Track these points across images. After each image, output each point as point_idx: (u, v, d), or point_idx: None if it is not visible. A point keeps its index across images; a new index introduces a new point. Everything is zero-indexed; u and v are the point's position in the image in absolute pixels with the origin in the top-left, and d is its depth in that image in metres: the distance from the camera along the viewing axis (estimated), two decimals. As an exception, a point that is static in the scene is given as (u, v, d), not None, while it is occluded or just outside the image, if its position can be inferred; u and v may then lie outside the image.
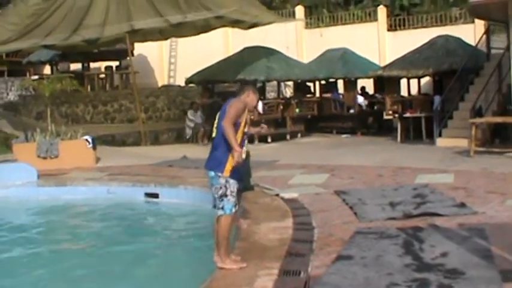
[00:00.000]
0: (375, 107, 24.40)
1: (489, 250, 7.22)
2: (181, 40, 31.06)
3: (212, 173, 7.19)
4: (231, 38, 30.41)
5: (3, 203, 14.32)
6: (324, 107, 24.82)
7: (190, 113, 22.90)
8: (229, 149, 7.05)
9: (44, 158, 17.48)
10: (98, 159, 18.15)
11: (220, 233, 7.18)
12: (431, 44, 21.81)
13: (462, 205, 9.76)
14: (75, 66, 32.45)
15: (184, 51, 31.59)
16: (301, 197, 11.33)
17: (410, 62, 21.09)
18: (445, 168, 13.83)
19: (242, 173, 9.15)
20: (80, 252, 10.29)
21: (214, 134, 7.27)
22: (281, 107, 22.96)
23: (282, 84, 27.39)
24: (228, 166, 7.09)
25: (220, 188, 7.13)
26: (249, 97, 7.34)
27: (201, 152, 20.46)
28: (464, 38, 22.64)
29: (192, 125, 22.74)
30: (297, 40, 29.74)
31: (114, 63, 31.35)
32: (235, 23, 22.56)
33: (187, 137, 23.04)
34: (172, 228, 11.81)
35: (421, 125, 20.34)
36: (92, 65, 32.80)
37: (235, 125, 7.05)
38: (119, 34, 20.80)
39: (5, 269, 9.29)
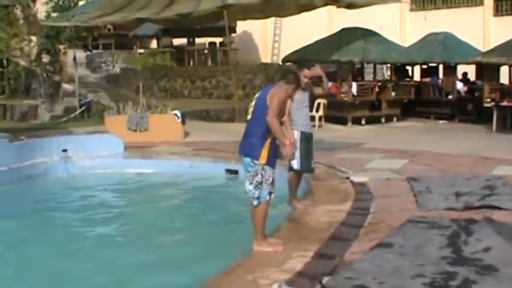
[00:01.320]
0: (475, 94, 23.61)
1: (536, 248, 6.94)
2: (286, 19, 31.03)
3: (248, 159, 7.11)
4: (335, 18, 30.12)
5: (89, 174, 14.78)
6: (422, 91, 24.28)
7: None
8: (266, 135, 6.99)
9: (134, 130, 17.96)
10: (186, 134, 18.47)
11: (256, 218, 7.17)
12: (535, 30, 20.91)
13: (529, 200, 9.38)
14: (181, 41, 33.11)
15: (289, 30, 31.54)
16: (370, 182, 11.19)
17: (511, 49, 20.24)
18: (529, 161, 13.30)
19: (305, 155, 9.18)
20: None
21: (249, 117, 7.19)
22: (376, 89, 22.58)
23: (384, 66, 27.01)
24: (264, 153, 7.01)
25: (256, 175, 7.06)
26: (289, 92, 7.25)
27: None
28: None
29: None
30: (401, 22, 29.17)
31: (218, 40, 31.69)
32: (333, 1, 22.32)
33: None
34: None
35: (518, 114, 19.59)
36: (198, 40, 33.29)
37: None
38: (212, 9, 20.86)
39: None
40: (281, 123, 7.30)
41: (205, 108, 24.07)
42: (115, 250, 8.75)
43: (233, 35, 31.77)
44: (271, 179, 7.14)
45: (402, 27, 29.03)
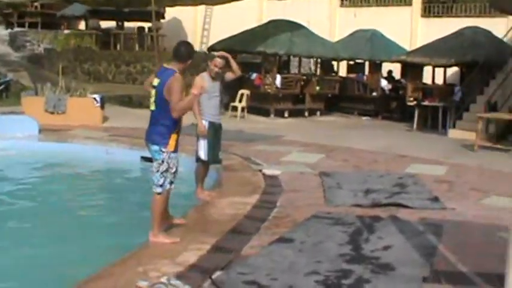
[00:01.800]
0: (400, 92, 23.81)
1: (435, 248, 6.89)
2: (217, 8, 30.79)
3: (156, 147, 6.91)
4: (265, 10, 30.03)
5: (1, 155, 14.09)
6: (347, 87, 24.37)
7: (208, 81, 22.62)
8: (174, 124, 6.84)
9: (52, 113, 17.45)
10: (105, 119, 18.07)
11: (154, 208, 6.95)
12: (458, 34, 21.14)
13: (435, 199, 9.41)
14: (110, 24, 32.47)
15: (219, 19, 31.24)
16: (283, 175, 11.07)
17: (434, 50, 20.48)
18: (442, 160, 13.43)
19: (212, 146, 8.96)
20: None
21: (153, 107, 6.96)
22: (301, 83, 22.53)
23: (311, 60, 26.99)
24: (172, 141, 6.86)
25: (163, 162, 6.88)
26: (188, 65, 7.02)
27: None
28: (497, 32, 21.93)
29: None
30: (330, 18, 29.22)
31: (147, 25, 31.21)
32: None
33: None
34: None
35: (439, 114, 19.81)
36: (127, 24, 32.68)
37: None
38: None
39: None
40: None
41: (128, 94, 23.61)
42: (16, 231, 8.49)
43: (162, 21, 31.37)
44: (175, 168, 6.94)
45: (332, 23, 29.07)
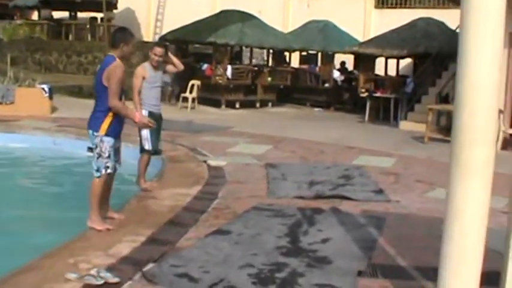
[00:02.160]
0: (352, 84, 23.81)
1: (375, 241, 6.80)
2: (170, -1, 30.59)
3: (90, 132, 6.89)
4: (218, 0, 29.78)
5: None
6: (299, 78, 24.30)
7: (159, 72, 22.38)
8: (109, 109, 6.72)
9: (0, 103, 17.12)
10: (54, 109, 17.76)
11: (91, 192, 6.88)
12: (411, 25, 21.18)
13: (380, 191, 9.35)
14: (62, 14, 31.98)
15: (172, 9, 30.93)
16: (227, 166, 10.94)
17: (387, 41, 20.50)
18: (391, 152, 13.41)
19: (154, 136, 8.78)
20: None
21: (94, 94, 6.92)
22: (252, 74, 22.37)
23: (265, 51, 26.84)
24: (105, 125, 6.77)
25: (96, 147, 6.83)
26: (124, 50, 6.87)
27: (164, 111, 20.12)
28: (450, 23, 21.98)
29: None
30: (284, 8, 29.12)
31: (99, 15, 30.75)
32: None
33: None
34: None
35: (390, 106, 19.83)
36: (80, 15, 32.20)
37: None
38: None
39: None
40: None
41: (78, 84, 23.23)
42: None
43: (114, 11, 30.97)
44: (107, 152, 6.78)
45: (285, 13, 28.95)
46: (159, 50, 8.71)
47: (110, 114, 6.76)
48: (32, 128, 14.84)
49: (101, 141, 6.77)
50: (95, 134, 6.79)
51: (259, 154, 12.44)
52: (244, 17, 22.33)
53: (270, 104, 23.12)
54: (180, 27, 22.92)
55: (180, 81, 21.87)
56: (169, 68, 9.12)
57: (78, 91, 22.66)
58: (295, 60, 25.99)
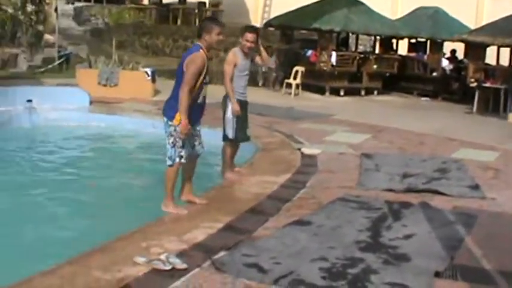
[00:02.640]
0: (462, 73, 22.98)
1: (461, 240, 6.48)
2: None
3: (165, 119, 6.92)
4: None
5: (52, 125, 14.48)
6: (407, 66, 23.65)
7: (263, 57, 22.34)
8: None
9: (104, 85, 17.58)
10: (157, 92, 18.03)
11: (167, 178, 6.97)
12: (526, 12, 20.17)
13: (475, 187, 8.92)
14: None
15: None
16: (321, 155, 10.76)
17: (499, 29, 19.52)
18: (495, 146, 12.77)
19: (240, 123, 8.69)
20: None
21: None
22: (358, 61, 21.95)
23: (373, 38, 26.33)
24: (178, 115, 6.72)
25: (171, 135, 6.84)
26: (207, 40, 6.82)
27: (266, 96, 20.22)
28: None
29: (264, 69, 22.25)
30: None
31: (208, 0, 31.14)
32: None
33: (259, 81, 22.60)
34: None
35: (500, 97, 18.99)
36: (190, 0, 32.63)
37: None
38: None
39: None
40: (204, 83, 6.86)
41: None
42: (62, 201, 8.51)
43: (223, -4, 31.24)
44: (181, 142, 6.79)
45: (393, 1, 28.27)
46: (250, 36, 8.39)
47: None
48: (133, 110, 15.17)
49: (175, 130, 6.77)
50: (169, 123, 6.79)
51: (356, 143, 12.19)
52: (350, 3, 21.93)
53: (375, 92, 22.62)
54: (285, 12, 22.79)
55: (284, 67, 21.78)
56: (257, 59, 8.89)
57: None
58: (402, 48, 25.30)
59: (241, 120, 8.72)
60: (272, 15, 29.01)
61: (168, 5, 31.19)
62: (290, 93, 20.55)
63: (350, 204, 7.60)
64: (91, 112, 15.16)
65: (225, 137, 8.77)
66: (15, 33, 25.41)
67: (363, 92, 22.14)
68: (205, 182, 8.57)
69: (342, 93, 21.51)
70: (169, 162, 6.87)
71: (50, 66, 22.40)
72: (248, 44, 8.45)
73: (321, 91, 21.43)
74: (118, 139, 13.73)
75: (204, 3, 31.18)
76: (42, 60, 23.55)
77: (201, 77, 6.72)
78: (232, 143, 8.78)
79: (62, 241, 6.67)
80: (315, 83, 21.42)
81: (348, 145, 11.93)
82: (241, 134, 8.76)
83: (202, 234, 6.13)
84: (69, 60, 23.36)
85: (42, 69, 22.17)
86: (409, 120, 16.06)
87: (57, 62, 22.75)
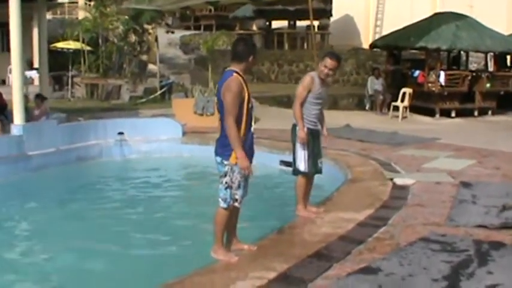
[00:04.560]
0: None
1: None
2: (388, 1, 29.50)
3: (219, 159, 6.20)
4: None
5: (143, 158, 14.54)
6: (524, 83, 22.08)
7: (370, 80, 21.51)
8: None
9: (201, 114, 17.33)
10: (256, 120, 17.44)
11: (217, 222, 6.26)
12: None
13: None
14: (281, 23, 32.12)
15: (391, 13, 29.85)
16: (416, 185, 9.79)
17: None
18: None
19: (312, 154, 7.90)
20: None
21: (218, 114, 6.23)
22: (468, 79, 20.62)
23: (489, 55, 24.91)
24: (234, 154, 6.02)
25: (225, 175, 6.13)
26: (251, 63, 6.14)
27: (372, 121, 19.33)
28: None
29: (371, 92, 21.38)
30: (508, 6, 26.81)
31: (317, 23, 30.44)
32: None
33: (366, 105, 21.74)
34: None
35: None
36: (299, 23, 32.09)
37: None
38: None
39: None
40: (251, 108, 6.14)
41: (287, 94, 22.88)
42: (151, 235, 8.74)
43: (333, 18, 30.49)
44: (237, 182, 6.05)
45: (509, 13, 26.65)
46: (330, 63, 7.69)
47: (240, 138, 6.05)
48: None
49: (231, 170, 6.07)
50: (225, 162, 6.09)
51: (457, 170, 11.12)
52: (459, 19, 20.73)
53: (489, 112, 21.24)
54: (391, 32, 21.92)
55: (392, 89, 20.82)
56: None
57: (287, 101, 22.31)
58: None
59: (314, 152, 7.90)
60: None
61: (272, 29, 30.79)
62: (398, 117, 19.56)
63: (431, 245, 6.62)
64: (183, 143, 15.00)
65: (296, 171, 7.99)
66: (122, 64, 25.72)
67: (475, 113, 20.82)
68: (273, 223, 7.89)
69: (453, 114, 20.30)
70: (223, 205, 6.16)
71: (152, 96, 22.41)
72: (326, 71, 7.74)
73: (430, 113, 20.33)
74: (208, 170, 13.32)
75: (313, 26, 30.54)
76: (144, 91, 23.62)
77: (245, 103, 6.00)
78: (305, 176, 7.97)
79: None
80: (424, 105, 20.37)
81: (448, 173, 10.88)
82: (313, 166, 7.94)
83: (248, 287, 5.38)
84: (171, 89, 23.30)
85: (144, 100, 22.22)
86: (523, 143, 14.73)
87: (159, 92, 22.73)
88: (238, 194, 6.12)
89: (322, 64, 7.78)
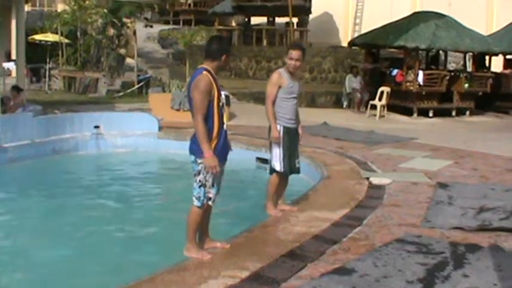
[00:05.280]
0: None
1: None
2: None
3: (192, 157, 6.06)
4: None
5: (119, 152, 14.47)
6: (502, 84, 22.10)
7: (348, 78, 21.46)
8: (209, 130, 5.92)
9: (177, 110, 17.18)
10: (232, 116, 17.42)
11: (190, 220, 6.11)
12: None
13: None
14: (261, 19, 31.99)
15: (370, 11, 29.83)
16: (392, 185, 9.72)
17: None
18: None
19: (288, 155, 7.75)
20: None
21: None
22: (447, 79, 20.62)
23: (467, 55, 24.96)
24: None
25: (198, 174, 6.00)
26: (224, 61, 6.02)
27: (350, 119, 19.29)
28: None
29: (349, 90, 21.33)
30: (487, 6, 26.87)
31: (295, 20, 30.33)
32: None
33: (343, 103, 21.68)
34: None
35: None
36: (278, 20, 31.97)
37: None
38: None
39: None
40: (222, 105, 6.00)
41: (265, 91, 22.80)
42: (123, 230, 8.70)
43: (312, 16, 30.39)
44: (211, 180, 5.93)
45: (488, 12, 26.70)
46: (295, 54, 7.53)
47: (213, 136, 5.93)
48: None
49: (205, 168, 5.93)
50: (198, 160, 5.96)
51: (434, 171, 11.06)
52: (438, 19, 20.70)
53: (467, 112, 21.27)
54: (370, 30, 21.90)
55: (370, 87, 20.78)
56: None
57: (263, 97, 22.24)
58: (497, 65, 23.73)
59: (290, 151, 7.75)
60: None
61: (251, 26, 30.65)
62: (375, 115, 19.51)
63: (406, 246, 6.53)
64: (160, 138, 14.86)
65: (271, 170, 7.84)
66: (100, 57, 25.49)
67: (453, 113, 20.84)
68: (247, 220, 7.77)
69: (431, 114, 20.31)
70: (196, 203, 6.01)
71: (129, 90, 22.22)
72: (293, 63, 7.56)
73: (408, 112, 20.32)
74: (184, 165, 13.24)
75: (292, 23, 30.45)
76: (122, 85, 23.41)
77: (215, 101, 5.87)
78: (280, 176, 7.83)
79: None
80: (402, 104, 20.37)
81: (425, 173, 10.83)
82: (289, 166, 7.79)
83: (220, 285, 5.25)
84: (149, 84, 23.11)
85: (121, 94, 22.01)
86: (500, 144, 14.77)
87: (136, 86, 22.53)
88: (212, 193, 6.01)
89: (288, 57, 7.62)
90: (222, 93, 6.11)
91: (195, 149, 5.97)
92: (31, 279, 6.86)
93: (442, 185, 9.77)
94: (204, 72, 5.87)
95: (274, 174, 7.80)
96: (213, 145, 5.93)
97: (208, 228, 6.37)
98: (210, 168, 5.85)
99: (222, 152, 6.04)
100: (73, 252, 7.65)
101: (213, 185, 6.00)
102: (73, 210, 9.78)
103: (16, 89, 15.57)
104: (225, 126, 6.09)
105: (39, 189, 11.20)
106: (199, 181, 5.97)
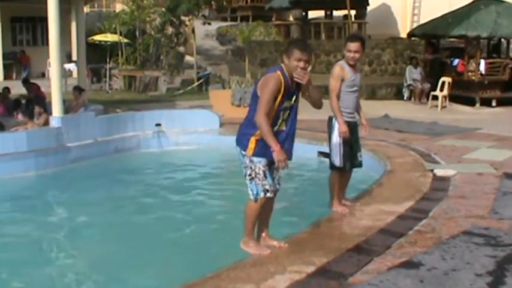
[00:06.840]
0: None
1: None
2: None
3: (238, 149, 6.03)
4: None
5: (182, 149, 14.61)
6: None
7: (408, 69, 21.22)
8: (253, 124, 5.84)
9: (238, 105, 17.23)
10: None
11: (246, 215, 6.10)
12: None
13: None
14: (318, 13, 31.85)
15: (428, 1, 29.38)
16: (457, 177, 9.58)
17: None
18: None
19: (348, 148, 7.66)
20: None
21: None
22: (509, 68, 20.18)
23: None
24: (251, 144, 5.87)
25: (246, 167, 5.97)
26: (286, 63, 5.95)
27: (411, 111, 19.09)
28: None
29: (409, 81, 21.09)
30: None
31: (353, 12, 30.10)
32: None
33: (404, 95, 21.44)
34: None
35: None
36: (336, 13, 31.78)
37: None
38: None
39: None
40: (281, 109, 5.92)
41: (325, 84, 22.65)
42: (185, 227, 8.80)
43: (370, 8, 30.14)
44: (262, 173, 5.89)
45: None
46: (353, 46, 7.39)
47: (257, 133, 5.84)
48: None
49: (251, 161, 5.90)
50: (243, 153, 5.94)
51: (500, 161, 10.86)
52: (500, 6, 20.27)
53: (533, 101, 20.79)
54: (429, 20, 21.52)
55: (431, 78, 20.52)
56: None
57: (324, 91, 22.07)
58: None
59: (350, 145, 7.68)
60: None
61: (310, 20, 30.53)
62: (437, 106, 19.25)
63: (475, 238, 6.45)
64: (221, 134, 14.91)
65: (331, 165, 7.76)
66: (159, 56, 25.76)
67: (518, 102, 20.37)
68: (311, 216, 7.75)
69: (493, 104, 19.89)
70: (251, 197, 5.98)
71: (189, 88, 22.38)
72: (352, 55, 7.44)
73: (470, 103, 19.96)
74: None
75: (350, 16, 30.23)
76: (181, 82, 23.60)
77: (277, 102, 5.82)
78: (341, 171, 7.76)
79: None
80: (464, 94, 19.99)
81: (490, 163, 10.63)
82: (351, 160, 7.71)
83: (286, 281, 5.25)
84: (209, 81, 23.25)
85: (181, 91, 22.20)
86: None
87: (196, 83, 22.68)
88: (267, 185, 5.92)
89: (346, 50, 7.50)
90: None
91: (240, 140, 5.97)
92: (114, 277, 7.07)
93: (509, 176, 9.60)
94: (278, 72, 5.84)
95: (334, 171, 7.73)
96: (255, 142, 5.86)
97: (268, 223, 6.32)
98: (279, 162, 5.79)
99: (268, 149, 5.89)
100: (144, 247, 7.87)
101: (265, 177, 5.90)
102: (140, 208, 10.00)
103: (78, 89, 15.86)
104: (284, 128, 5.97)
105: (104, 188, 11.42)
106: (249, 175, 5.92)
